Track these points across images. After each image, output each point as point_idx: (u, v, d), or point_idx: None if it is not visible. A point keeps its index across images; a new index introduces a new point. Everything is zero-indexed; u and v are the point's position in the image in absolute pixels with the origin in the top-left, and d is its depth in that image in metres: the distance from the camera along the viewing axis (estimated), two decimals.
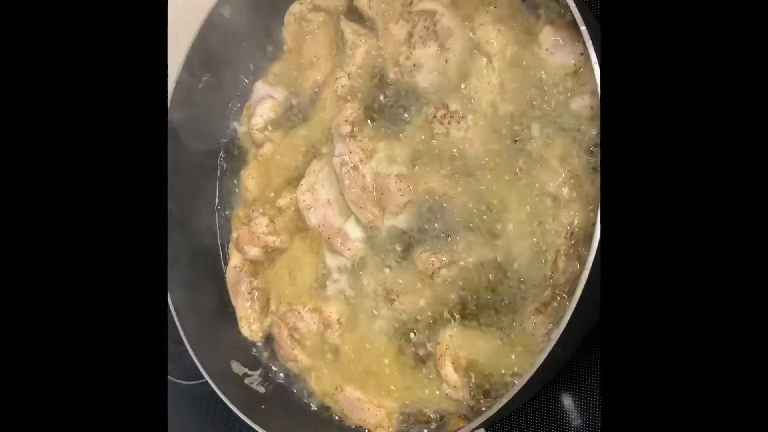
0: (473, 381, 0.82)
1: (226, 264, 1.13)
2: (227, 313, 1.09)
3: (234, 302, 1.09)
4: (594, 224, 0.65)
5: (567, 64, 0.79)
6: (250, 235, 1.04)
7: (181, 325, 0.99)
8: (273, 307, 1.04)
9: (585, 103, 0.77)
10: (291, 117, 1.07)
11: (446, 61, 0.86)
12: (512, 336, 0.80)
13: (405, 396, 0.88)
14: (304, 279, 0.99)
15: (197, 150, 1.12)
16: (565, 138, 0.78)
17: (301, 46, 1.06)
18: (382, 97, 0.94)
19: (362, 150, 0.91)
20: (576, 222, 0.76)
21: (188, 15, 1.04)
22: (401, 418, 0.89)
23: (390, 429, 0.89)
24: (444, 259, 0.83)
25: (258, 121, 1.08)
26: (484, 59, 0.83)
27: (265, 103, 1.08)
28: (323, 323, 0.95)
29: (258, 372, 1.05)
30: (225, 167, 1.17)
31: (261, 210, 1.06)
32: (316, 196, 0.96)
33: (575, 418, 0.86)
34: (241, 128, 1.14)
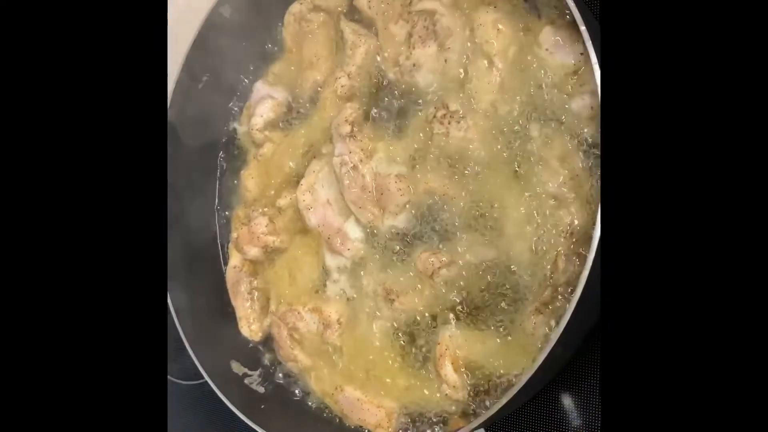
0: (473, 381, 0.82)
1: (225, 264, 1.12)
2: (227, 313, 1.09)
3: (234, 302, 1.09)
4: (594, 224, 0.65)
5: (567, 64, 0.79)
6: (249, 235, 1.04)
7: (180, 325, 0.99)
8: (273, 307, 1.04)
9: (585, 103, 0.77)
10: (291, 117, 1.07)
11: (446, 60, 0.86)
12: (512, 336, 0.80)
13: (405, 396, 0.88)
14: (303, 279, 0.99)
15: (197, 150, 1.12)
16: (565, 138, 0.78)
17: (301, 46, 1.06)
18: (382, 97, 0.94)
19: (362, 150, 0.91)
20: (576, 222, 0.76)
21: (188, 15, 1.04)
22: (401, 418, 0.89)
23: (390, 429, 0.89)
24: (444, 259, 0.83)
25: (258, 121, 1.07)
26: (484, 59, 0.83)
27: (265, 103, 1.08)
28: (323, 323, 0.95)
29: (258, 372, 1.05)
30: (225, 167, 1.17)
31: (261, 210, 1.06)
32: (316, 196, 0.96)
33: (575, 419, 0.86)
34: (241, 128, 1.14)
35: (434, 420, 0.87)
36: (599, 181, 0.74)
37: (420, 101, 0.89)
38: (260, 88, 1.10)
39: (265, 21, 1.09)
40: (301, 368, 1.01)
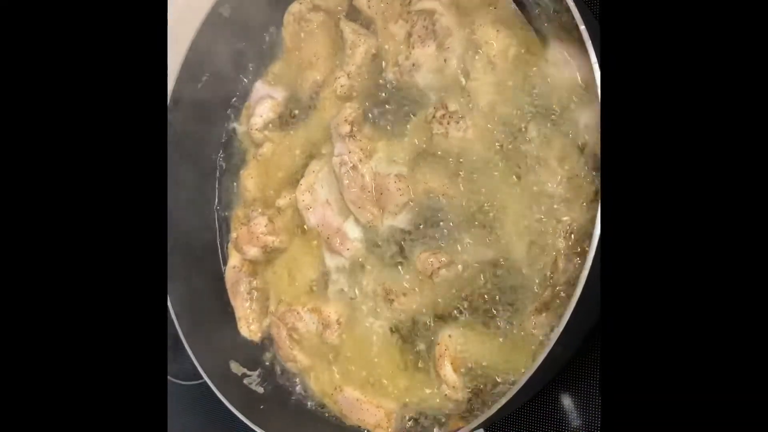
0: (472, 381, 0.82)
1: (225, 264, 1.12)
2: (226, 314, 1.09)
3: (233, 302, 1.09)
4: (593, 224, 0.65)
5: (571, 77, 0.78)
6: (249, 235, 1.04)
7: (180, 325, 0.99)
8: (272, 308, 1.04)
9: (592, 114, 0.76)
10: (290, 117, 1.07)
11: (445, 60, 0.86)
12: (512, 336, 0.80)
13: (404, 396, 0.88)
14: (303, 279, 0.99)
15: (197, 150, 1.12)
16: (564, 138, 0.78)
17: (300, 46, 1.06)
18: (381, 97, 0.94)
19: (361, 150, 0.91)
20: (575, 222, 0.76)
21: (188, 15, 1.04)
22: (400, 418, 0.89)
23: (389, 429, 0.89)
24: (443, 259, 0.83)
25: (257, 121, 1.08)
26: (484, 59, 0.83)
27: (264, 103, 1.08)
28: (322, 323, 0.95)
29: (257, 372, 1.05)
30: (224, 167, 1.17)
31: (260, 210, 1.06)
32: (316, 196, 0.96)
33: (575, 419, 0.86)
34: (240, 128, 1.14)
35: (433, 420, 0.87)
36: (599, 181, 0.74)
37: (419, 101, 0.89)
38: (260, 88, 1.10)
39: (265, 21, 1.09)
40: (301, 368, 1.01)
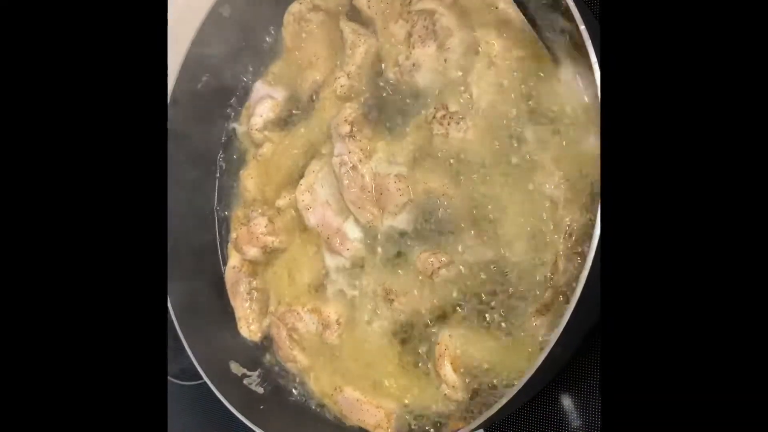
0: (472, 381, 0.82)
1: (225, 264, 1.12)
2: (226, 314, 1.09)
3: (233, 303, 1.09)
4: (593, 224, 0.65)
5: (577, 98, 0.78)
6: (249, 236, 1.04)
7: (179, 325, 0.99)
8: (272, 308, 1.04)
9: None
10: (290, 117, 1.07)
11: (445, 60, 0.86)
12: (512, 336, 0.80)
13: (404, 396, 0.88)
14: (303, 279, 0.99)
15: (196, 150, 1.12)
16: (562, 140, 0.78)
17: (300, 46, 1.06)
18: (381, 97, 0.93)
19: (361, 150, 0.90)
20: (575, 222, 0.76)
21: (188, 15, 1.05)
22: (400, 418, 0.89)
23: (389, 429, 0.89)
24: (443, 259, 0.83)
25: (257, 121, 1.08)
26: (485, 60, 0.83)
27: (264, 103, 1.08)
28: (322, 324, 0.95)
29: (257, 372, 1.05)
30: (224, 167, 1.17)
31: (260, 210, 1.06)
32: (315, 196, 0.96)
33: (575, 419, 0.86)
34: (240, 128, 1.14)
35: (433, 420, 0.87)
36: (599, 182, 0.74)
37: (419, 101, 0.89)
38: (260, 88, 1.10)
39: (265, 21, 1.09)
40: (300, 369, 1.01)
